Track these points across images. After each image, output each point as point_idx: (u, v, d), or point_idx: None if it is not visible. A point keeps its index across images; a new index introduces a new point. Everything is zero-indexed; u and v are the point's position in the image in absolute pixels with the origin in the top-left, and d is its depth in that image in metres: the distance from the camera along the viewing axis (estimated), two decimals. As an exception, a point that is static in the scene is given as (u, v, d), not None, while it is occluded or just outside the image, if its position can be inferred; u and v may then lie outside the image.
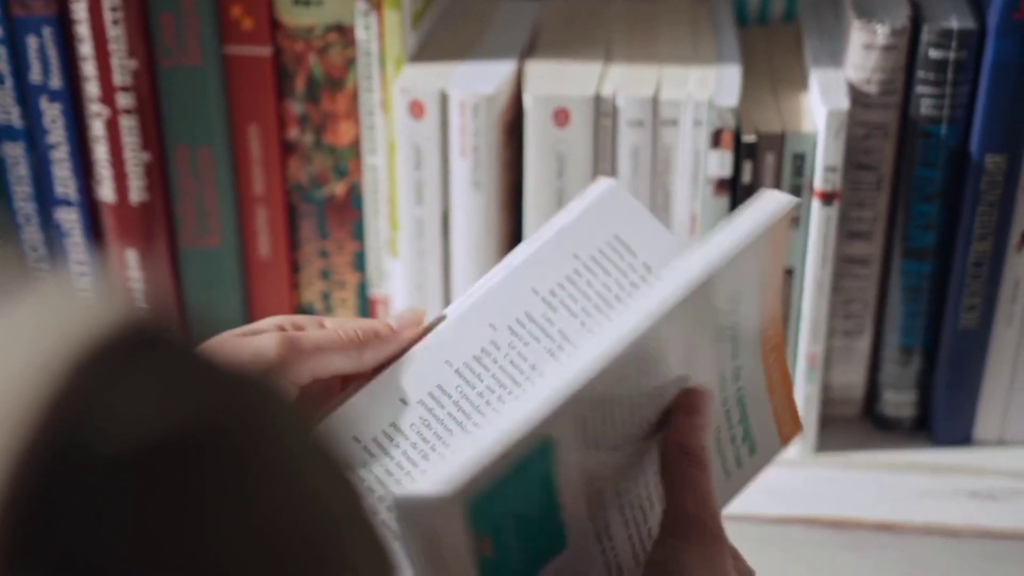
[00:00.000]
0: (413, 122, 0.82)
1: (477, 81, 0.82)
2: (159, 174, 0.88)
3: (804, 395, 0.85)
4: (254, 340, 0.68)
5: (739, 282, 0.52)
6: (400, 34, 0.83)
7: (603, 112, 0.81)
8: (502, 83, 0.83)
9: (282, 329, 0.66)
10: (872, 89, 0.80)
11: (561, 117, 0.81)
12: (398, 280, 0.89)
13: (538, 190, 0.83)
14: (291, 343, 0.67)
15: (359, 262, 0.91)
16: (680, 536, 0.51)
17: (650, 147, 0.81)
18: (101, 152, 0.86)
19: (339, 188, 0.89)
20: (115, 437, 0.26)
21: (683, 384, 0.52)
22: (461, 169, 0.83)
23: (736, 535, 0.83)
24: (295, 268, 0.92)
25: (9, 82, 0.84)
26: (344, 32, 0.84)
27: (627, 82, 0.82)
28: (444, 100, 0.82)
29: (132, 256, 0.89)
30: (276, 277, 0.92)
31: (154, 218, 0.89)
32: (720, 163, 0.80)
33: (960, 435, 0.88)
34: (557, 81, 0.82)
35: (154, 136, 0.86)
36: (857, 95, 0.80)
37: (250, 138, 0.88)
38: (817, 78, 0.81)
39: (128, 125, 0.85)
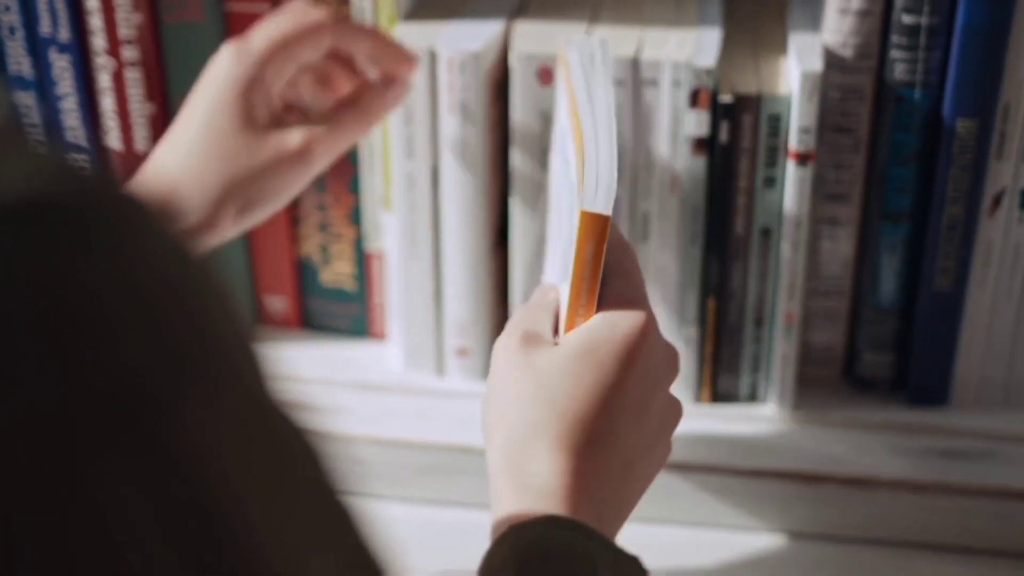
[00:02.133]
0: (405, 79, 0.85)
1: (466, 39, 0.85)
2: (162, 125, 0.91)
3: (782, 354, 0.87)
4: (211, 66, 0.78)
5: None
6: (398, -9, 0.86)
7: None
8: (490, 42, 0.85)
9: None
10: (848, 53, 0.82)
11: (545, 75, 0.84)
12: (391, 234, 0.92)
13: (523, 146, 0.86)
14: (241, 48, 0.77)
15: (356, 216, 0.94)
16: None
17: (631, 107, 0.83)
18: (108, 103, 0.90)
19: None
20: None
21: None
22: (449, 125, 0.85)
23: (710, 486, 0.85)
24: (294, 221, 0.95)
25: (20, 34, 0.88)
26: (344, -9, 0.87)
27: (610, 42, 0.84)
28: (433, 58, 0.84)
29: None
30: (276, 230, 0.95)
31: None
32: (697, 123, 0.82)
33: (936, 396, 0.90)
34: (543, 40, 0.85)
35: (158, 88, 0.90)
36: (833, 59, 0.82)
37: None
38: (795, 42, 0.83)
39: (133, 77, 0.89)
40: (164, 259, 0.31)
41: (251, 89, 0.77)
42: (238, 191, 0.76)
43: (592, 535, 0.58)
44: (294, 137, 0.77)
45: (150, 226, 0.31)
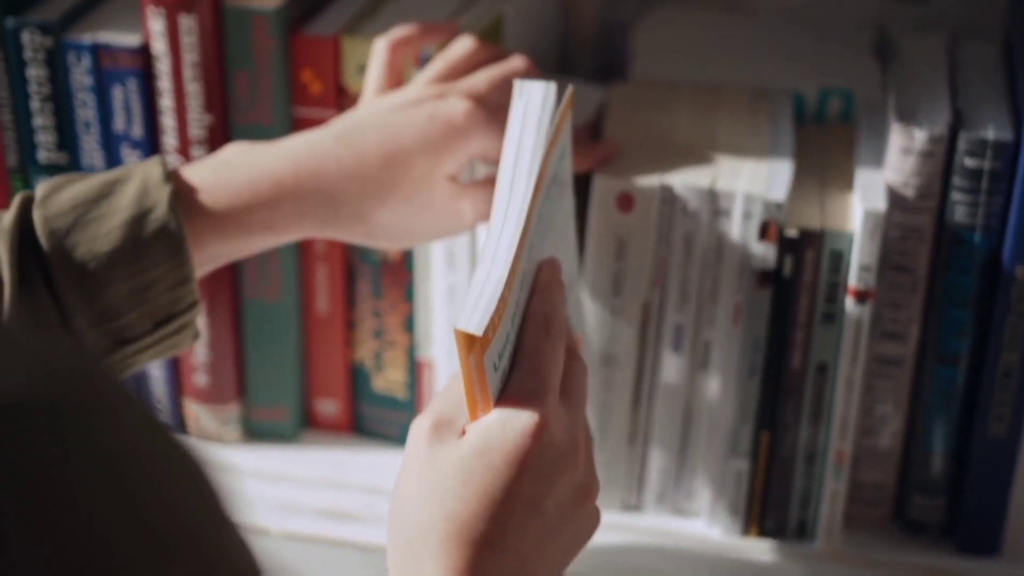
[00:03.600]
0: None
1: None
2: (226, 225, 0.92)
3: (831, 492, 0.86)
4: (443, 105, 0.78)
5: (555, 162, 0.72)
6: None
7: (664, 200, 0.83)
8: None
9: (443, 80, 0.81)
10: (909, 192, 0.81)
11: (624, 202, 0.84)
12: (438, 343, 0.92)
13: (597, 271, 0.85)
14: (480, 107, 0.79)
15: (410, 324, 0.94)
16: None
17: (703, 236, 0.83)
18: (174, 200, 0.91)
19: (394, 251, 0.92)
20: None
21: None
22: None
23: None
24: (350, 325, 0.96)
25: (95, 129, 0.89)
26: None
27: (687, 171, 0.84)
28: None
29: (198, 302, 0.93)
30: (332, 333, 0.96)
31: (220, 270, 0.93)
32: (765, 256, 0.82)
33: (987, 546, 0.88)
34: (624, 167, 0.85)
35: (225, 189, 0.91)
36: (895, 198, 0.81)
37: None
38: (860, 179, 0.83)
39: (201, 176, 0.90)
40: (138, 442, 0.32)
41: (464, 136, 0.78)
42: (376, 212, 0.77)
43: None
44: (465, 205, 0.78)
45: (125, 409, 0.33)
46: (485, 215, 0.76)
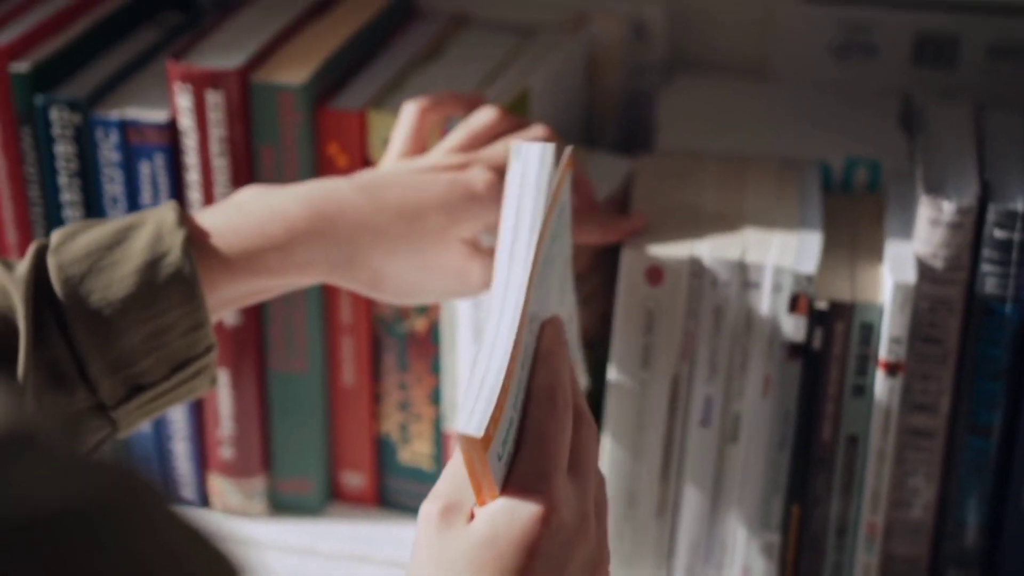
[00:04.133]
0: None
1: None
2: (253, 298, 0.92)
3: (863, 565, 0.85)
4: (464, 173, 0.78)
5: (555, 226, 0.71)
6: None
7: (693, 272, 0.83)
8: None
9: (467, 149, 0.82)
10: (939, 264, 0.81)
11: (653, 275, 0.83)
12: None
13: (625, 344, 0.85)
14: (501, 180, 0.77)
15: (436, 396, 0.94)
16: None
17: (732, 308, 0.83)
18: (200, 274, 0.91)
19: (420, 324, 0.92)
20: (12, 505, 0.30)
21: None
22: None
23: None
24: (376, 398, 0.96)
25: (122, 204, 0.90)
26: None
27: (716, 243, 0.84)
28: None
29: (223, 376, 0.93)
30: (358, 405, 0.96)
31: (246, 341, 0.93)
32: (795, 328, 0.82)
33: (1023, 619, 0.87)
34: (652, 239, 0.84)
35: (251, 262, 0.91)
36: (924, 269, 0.81)
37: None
38: (890, 250, 0.83)
39: (227, 250, 0.90)
40: (175, 550, 0.32)
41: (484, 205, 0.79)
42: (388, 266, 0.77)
43: None
44: (474, 268, 0.79)
45: (161, 517, 0.33)
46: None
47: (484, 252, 0.79)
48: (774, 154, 0.93)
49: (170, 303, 0.72)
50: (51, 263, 0.71)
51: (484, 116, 0.82)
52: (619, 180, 0.92)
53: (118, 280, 0.71)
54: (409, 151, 0.83)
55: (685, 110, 1.00)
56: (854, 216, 0.90)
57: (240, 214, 0.76)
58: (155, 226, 0.73)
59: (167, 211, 0.74)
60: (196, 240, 0.74)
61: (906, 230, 0.85)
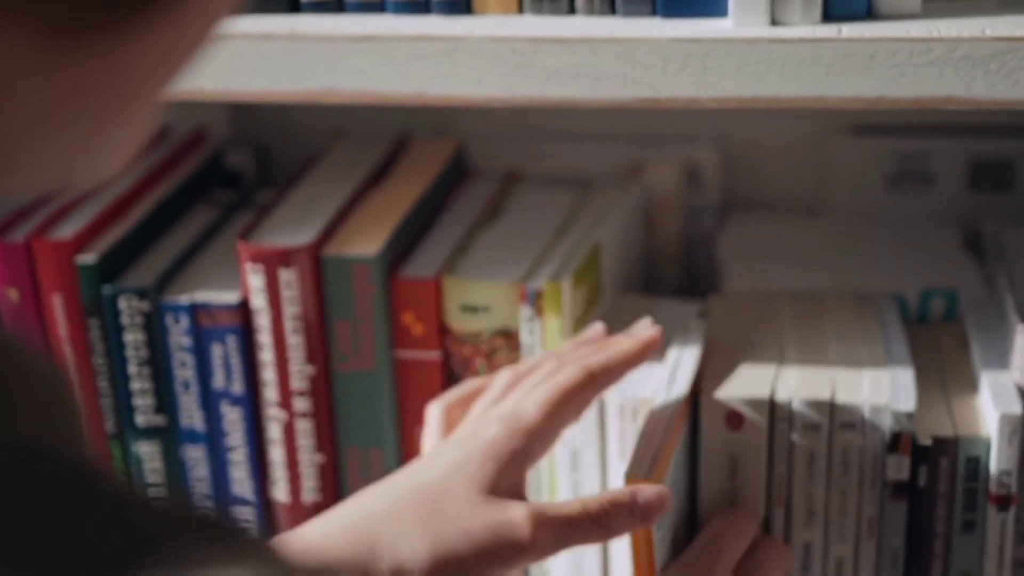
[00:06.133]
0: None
1: (636, 384, 0.83)
2: (331, 474, 0.90)
3: None
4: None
5: None
6: (562, 337, 0.85)
7: (778, 416, 0.81)
8: (658, 387, 0.83)
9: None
10: (1043, 392, 0.80)
11: (734, 420, 0.82)
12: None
13: (710, 490, 0.83)
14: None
15: None
16: None
17: (825, 450, 0.81)
18: (277, 454, 0.89)
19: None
20: None
21: None
22: (619, 471, 0.83)
23: None
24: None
25: (194, 388, 0.88)
26: (510, 336, 0.87)
27: (802, 384, 0.82)
28: (601, 405, 0.83)
29: (302, 556, 0.90)
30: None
31: None
32: (898, 467, 0.80)
33: None
34: (729, 381, 0.83)
35: (328, 438, 0.89)
36: (1027, 398, 0.80)
37: (417, 439, 0.89)
38: (987, 381, 0.81)
39: (303, 428, 0.88)
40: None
41: (515, 466, 0.71)
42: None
43: None
44: (517, 513, 0.69)
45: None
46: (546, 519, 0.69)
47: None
48: (842, 289, 0.92)
49: None
50: None
51: (502, 381, 0.78)
52: (692, 323, 0.90)
53: None
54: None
55: (746, 250, 0.99)
56: (936, 347, 0.89)
57: None
58: None
59: None
60: None
61: (997, 359, 0.83)
